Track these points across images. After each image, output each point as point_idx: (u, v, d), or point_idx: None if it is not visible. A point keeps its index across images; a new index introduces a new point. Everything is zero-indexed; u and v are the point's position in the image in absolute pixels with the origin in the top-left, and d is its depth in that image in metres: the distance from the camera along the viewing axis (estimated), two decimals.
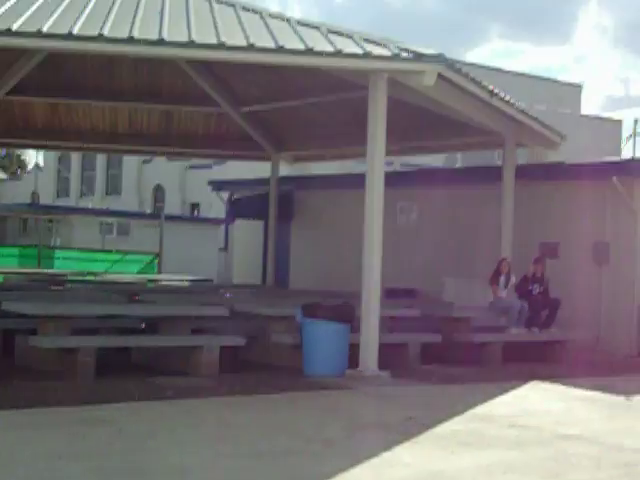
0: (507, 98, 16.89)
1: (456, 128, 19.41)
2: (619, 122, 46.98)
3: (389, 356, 15.03)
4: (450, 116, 17.87)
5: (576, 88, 49.37)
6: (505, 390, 13.23)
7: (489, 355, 16.33)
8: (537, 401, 12.72)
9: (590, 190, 19.38)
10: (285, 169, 26.81)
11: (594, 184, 19.20)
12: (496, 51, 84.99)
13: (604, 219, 19.18)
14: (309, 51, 13.05)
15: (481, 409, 11.66)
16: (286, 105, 21.49)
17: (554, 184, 19.93)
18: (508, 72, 42.48)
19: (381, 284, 20.35)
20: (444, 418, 10.76)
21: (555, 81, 47.20)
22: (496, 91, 16.19)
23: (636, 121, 32.07)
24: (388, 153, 21.91)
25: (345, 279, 20.60)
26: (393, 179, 22.98)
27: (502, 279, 17.51)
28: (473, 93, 15.60)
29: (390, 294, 21.87)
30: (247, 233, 28.50)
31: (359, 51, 13.31)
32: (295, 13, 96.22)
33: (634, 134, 31.40)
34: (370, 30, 15.08)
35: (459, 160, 33.03)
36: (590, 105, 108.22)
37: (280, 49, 12.92)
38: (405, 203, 23.10)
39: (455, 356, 16.15)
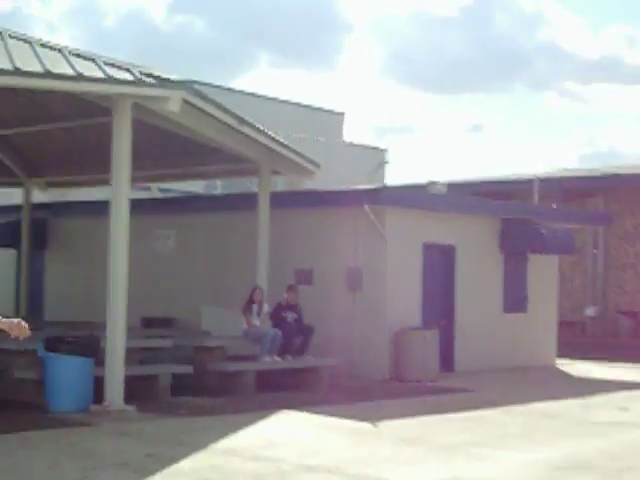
0: (258, 126, 16.84)
1: (211, 155, 19.23)
2: (382, 151, 48.17)
3: (139, 389, 14.62)
4: (204, 143, 17.67)
5: (339, 116, 50.28)
6: (254, 421, 13.05)
7: (242, 385, 16.12)
8: (285, 431, 12.57)
9: (343, 217, 19.62)
10: (46, 195, 25.84)
11: (347, 211, 19.45)
12: (265, 79, 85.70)
13: (357, 246, 19.43)
14: (48, 74, 12.52)
15: (226, 442, 11.42)
16: (37, 129, 20.66)
17: (308, 211, 20.08)
18: (272, 99, 42.77)
19: (137, 314, 19.85)
20: (186, 453, 10.47)
21: (318, 109, 47.84)
22: (246, 118, 16.10)
23: (386, 150, 32.84)
24: (142, 179, 21.67)
25: (99, 309, 20.00)
26: (150, 206, 22.71)
27: (255, 307, 17.39)
28: (221, 120, 15.46)
29: (147, 324, 21.47)
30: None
31: (101, 75, 12.90)
32: (63, 37, 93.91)
33: (385, 162, 32.14)
34: (138, 59, 14.69)
35: (219, 187, 32.92)
36: (356, 133, 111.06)
37: (16, 71, 12.33)
38: (163, 230, 22.70)
39: (208, 387, 15.89)
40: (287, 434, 12.31)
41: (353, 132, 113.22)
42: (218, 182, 32.28)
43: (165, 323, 21.66)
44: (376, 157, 57.34)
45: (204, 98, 14.35)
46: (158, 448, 10.82)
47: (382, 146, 49.26)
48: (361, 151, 48.65)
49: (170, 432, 12.09)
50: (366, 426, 12.98)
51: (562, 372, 22.13)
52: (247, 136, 16.84)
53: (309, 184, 23.13)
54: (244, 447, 11.09)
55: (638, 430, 13.27)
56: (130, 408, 13.29)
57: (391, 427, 12.97)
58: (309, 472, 9.79)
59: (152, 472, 9.46)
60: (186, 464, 9.95)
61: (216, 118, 15.34)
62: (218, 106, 15.00)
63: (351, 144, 48.34)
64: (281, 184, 28.30)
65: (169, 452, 10.55)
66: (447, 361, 20.52)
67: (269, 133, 17.35)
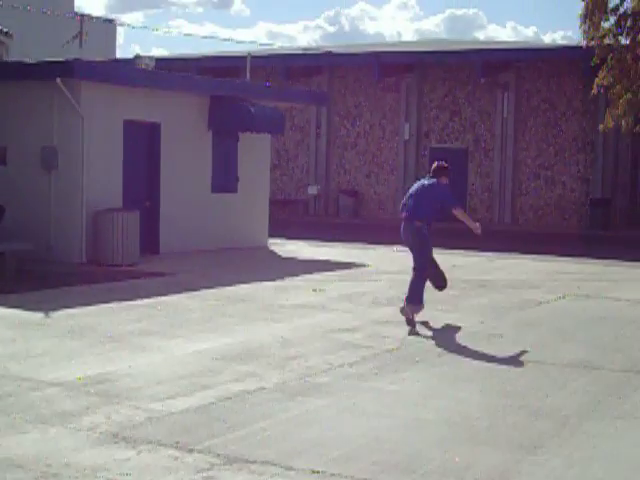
0: None
1: None
2: (87, 18, 45.81)
3: None
4: None
5: None
6: None
7: None
8: None
9: (37, 92, 18.30)
10: None
11: (41, 86, 18.13)
12: None
13: (52, 123, 18.20)
14: None
15: None
16: None
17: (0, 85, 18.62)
18: None
19: None
20: None
21: None
22: None
23: (83, 16, 31.04)
24: None
25: None
26: None
27: None
28: None
29: None
30: None
31: None
32: None
33: (81, 33, 30.55)
34: None
35: None
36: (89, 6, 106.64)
37: None
38: None
39: None
40: None
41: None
42: None
43: None
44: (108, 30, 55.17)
45: None
46: None
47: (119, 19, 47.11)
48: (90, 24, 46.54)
49: None
50: (38, 317, 12.13)
51: (272, 253, 21.94)
52: None
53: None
54: None
55: (324, 314, 13.06)
56: None
57: (65, 317, 12.18)
58: None
59: None
60: None
61: None
62: None
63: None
64: None
65: None
66: (152, 243, 19.88)
67: None
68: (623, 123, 17.40)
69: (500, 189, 33.92)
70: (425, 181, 12.64)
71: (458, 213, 12.31)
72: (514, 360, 10.22)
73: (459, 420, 7.69)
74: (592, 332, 12.12)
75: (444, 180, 12.58)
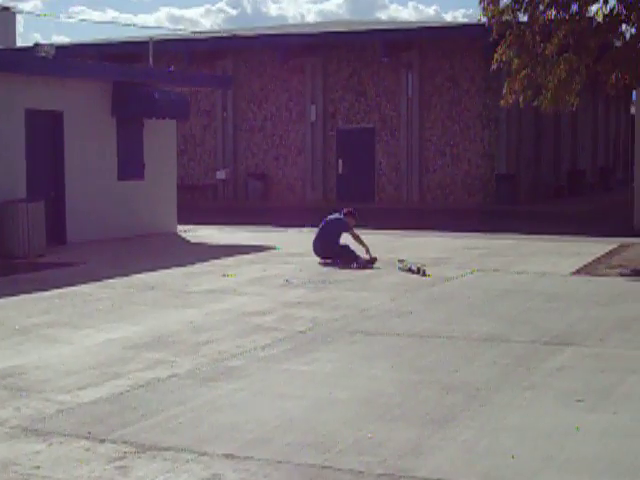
0: None
1: None
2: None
3: None
4: None
5: None
6: None
7: None
8: None
9: None
10: None
11: None
12: None
13: None
14: None
15: None
16: None
17: None
18: None
19: None
20: None
21: None
22: None
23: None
24: None
25: None
26: None
27: None
28: None
29: None
30: None
31: None
32: None
33: None
34: None
35: None
36: None
37: None
38: None
39: None
40: None
41: None
42: None
43: None
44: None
45: None
46: None
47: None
48: None
49: None
50: None
51: (181, 239, 21.81)
52: None
53: None
54: None
55: (235, 298, 13.03)
56: None
57: None
58: None
59: None
60: None
61: None
62: None
63: None
64: None
65: None
66: (59, 234, 19.60)
67: None
68: (521, 98, 17.56)
69: (407, 168, 34.18)
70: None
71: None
72: (425, 336, 10.33)
73: (372, 397, 7.75)
74: (500, 306, 12.31)
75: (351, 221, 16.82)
